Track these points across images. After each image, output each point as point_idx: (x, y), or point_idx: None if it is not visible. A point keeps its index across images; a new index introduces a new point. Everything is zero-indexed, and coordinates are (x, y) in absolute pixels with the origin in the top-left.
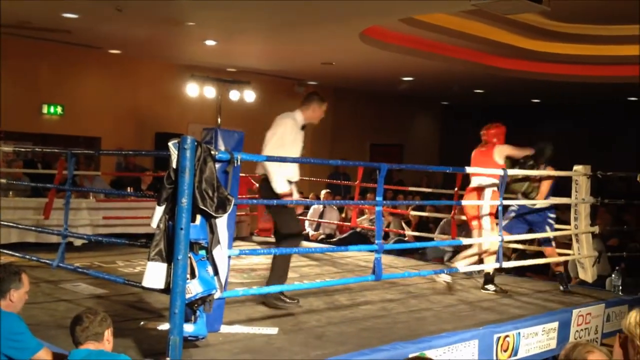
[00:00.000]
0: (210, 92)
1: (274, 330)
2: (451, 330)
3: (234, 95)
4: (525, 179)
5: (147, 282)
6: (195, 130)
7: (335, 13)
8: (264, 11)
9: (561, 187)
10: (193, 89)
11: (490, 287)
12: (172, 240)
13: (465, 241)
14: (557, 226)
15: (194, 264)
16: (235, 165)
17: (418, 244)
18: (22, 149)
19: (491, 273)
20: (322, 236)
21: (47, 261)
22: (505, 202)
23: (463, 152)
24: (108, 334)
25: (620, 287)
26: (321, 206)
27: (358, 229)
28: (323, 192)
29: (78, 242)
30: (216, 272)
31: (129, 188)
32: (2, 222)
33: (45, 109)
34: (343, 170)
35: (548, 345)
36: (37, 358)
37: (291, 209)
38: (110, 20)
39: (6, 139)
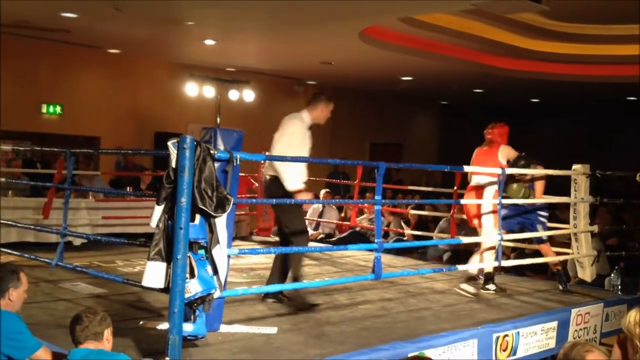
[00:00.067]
0: (209, 91)
1: (273, 330)
2: (450, 329)
3: (233, 94)
4: (517, 181)
5: (146, 282)
6: (194, 129)
7: (334, 12)
8: (263, 10)
9: (560, 186)
10: (192, 89)
11: (491, 286)
12: (171, 240)
13: (464, 240)
14: (556, 225)
15: (194, 264)
16: (235, 164)
17: (417, 243)
18: (21, 149)
19: (491, 272)
20: (322, 235)
21: (47, 260)
22: (505, 201)
23: (462, 151)
24: (107, 333)
25: (619, 287)
26: (320, 205)
27: (357, 229)
28: (322, 191)
29: (77, 242)
30: (215, 272)
31: (128, 187)
32: (1, 222)
33: (44, 109)
34: (342, 169)
35: (547, 344)
36: (37, 357)
37: (300, 207)
38: (109, 20)
39: (5, 138)
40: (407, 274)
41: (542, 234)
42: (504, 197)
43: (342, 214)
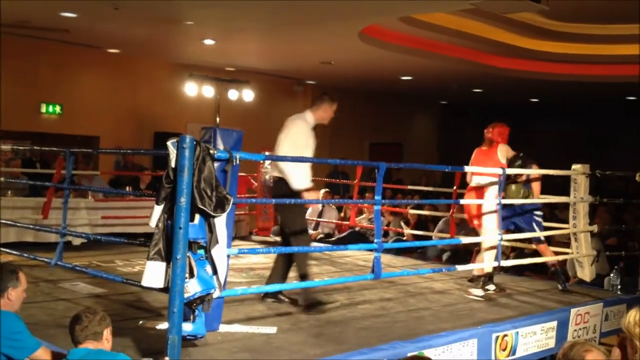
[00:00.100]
0: (209, 91)
1: (272, 330)
2: (450, 329)
3: (232, 94)
4: (515, 182)
5: (146, 282)
6: (194, 129)
7: (334, 12)
8: (263, 10)
9: (560, 186)
10: (192, 88)
11: (490, 286)
12: (171, 240)
13: (464, 240)
14: (555, 225)
15: (193, 263)
16: (234, 164)
17: (417, 243)
18: (21, 148)
19: (491, 272)
20: (321, 235)
21: (46, 260)
22: (504, 201)
23: (461, 150)
24: (107, 333)
25: (619, 286)
26: (320, 205)
27: (357, 228)
28: (322, 191)
29: (77, 242)
30: (215, 272)
31: (127, 187)
32: (1, 221)
33: (43, 108)
34: (342, 169)
35: (546, 344)
36: (36, 357)
37: (301, 206)
38: (108, 20)
39: (5, 137)
40: (407, 274)
41: (541, 234)
42: (502, 198)
43: (342, 214)
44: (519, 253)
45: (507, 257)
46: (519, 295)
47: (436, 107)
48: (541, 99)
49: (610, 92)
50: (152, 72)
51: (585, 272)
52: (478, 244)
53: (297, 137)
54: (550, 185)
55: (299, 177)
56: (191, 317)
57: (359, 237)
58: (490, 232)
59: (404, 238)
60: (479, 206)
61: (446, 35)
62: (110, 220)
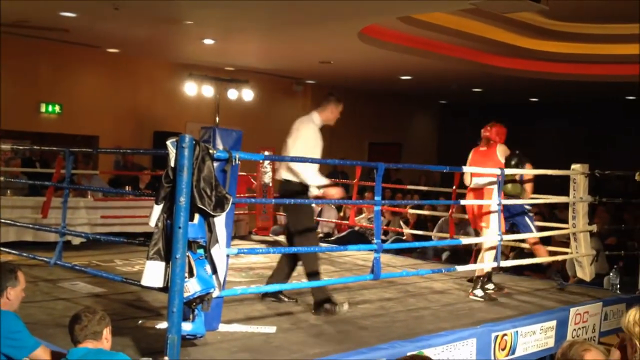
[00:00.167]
0: (208, 91)
1: (272, 329)
2: (449, 329)
3: (232, 94)
4: (511, 181)
5: (145, 281)
6: (193, 129)
7: (333, 12)
8: (262, 10)
9: (559, 186)
10: (191, 88)
11: (489, 285)
12: (170, 239)
13: (464, 241)
14: (555, 225)
15: (192, 263)
16: (234, 164)
17: (417, 244)
18: (20, 148)
19: (490, 272)
20: (321, 235)
21: (45, 259)
22: (505, 202)
23: (461, 150)
24: (106, 332)
25: (618, 286)
26: (319, 205)
27: (356, 228)
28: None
29: (76, 241)
30: (214, 271)
31: (127, 187)
32: (0, 221)
33: (43, 108)
34: (341, 169)
35: (546, 343)
36: (35, 356)
37: (309, 206)
38: (108, 19)
39: (4, 137)
40: (406, 274)
41: (539, 234)
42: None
43: (341, 214)
44: (519, 253)
45: (507, 257)
46: (519, 294)
47: (436, 107)
48: (541, 98)
49: (610, 92)
50: (152, 71)
51: (585, 272)
52: (477, 244)
53: (308, 139)
54: (550, 185)
55: (314, 175)
56: (191, 316)
57: (358, 237)
58: (494, 233)
59: (404, 237)
60: (480, 207)
61: (446, 35)
62: (110, 219)
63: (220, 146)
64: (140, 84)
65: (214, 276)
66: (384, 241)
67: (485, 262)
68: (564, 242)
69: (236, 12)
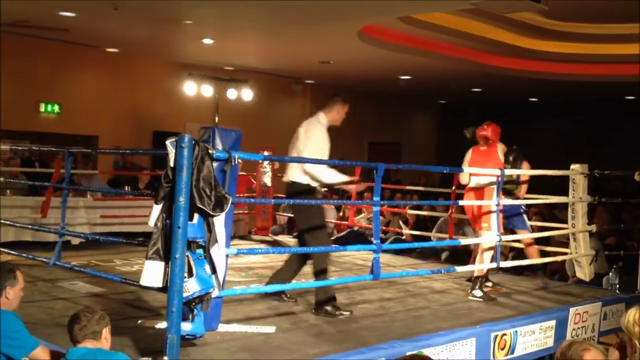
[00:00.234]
0: (207, 90)
1: (271, 329)
2: (449, 328)
3: (231, 93)
4: (509, 181)
5: (144, 281)
6: (192, 128)
7: (333, 11)
8: (262, 9)
9: (559, 186)
10: (191, 88)
11: (488, 283)
12: (169, 239)
13: (463, 241)
14: (554, 225)
15: (192, 263)
16: (233, 164)
17: (416, 244)
18: (20, 148)
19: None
20: None
21: (45, 259)
22: (505, 202)
23: (460, 150)
24: (106, 332)
25: (618, 286)
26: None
27: (355, 228)
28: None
29: (75, 241)
30: (214, 271)
31: (126, 187)
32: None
33: (42, 108)
34: (341, 168)
35: (545, 343)
36: (34, 356)
37: (319, 205)
38: (107, 19)
39: (3, 137)
40: (406, 274)
41: (536, 235)
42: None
43: (340, 214)
44: (518, 253)
45: (506, 258)
46: (518, 294)
47: (435, 107)
48: (540, 98)
49: (610, 92)
50: (151, 71)
51: (584, 272)
52: (476, 244)
53: (319, 140)
54: (549, 185)
55: (330, 173)
56: (190, 316)
57: (357, 237)
58: (493, 233)
59: (403, 237)
60: (480, 207)
61: (446, 35)
62: (109, 219)
63: (219, 146)
64: (140, 84)
65: (213, 276)
66: (383, 241)
67: (486, 263)
68: (564, 242)
69: (235, 11)
